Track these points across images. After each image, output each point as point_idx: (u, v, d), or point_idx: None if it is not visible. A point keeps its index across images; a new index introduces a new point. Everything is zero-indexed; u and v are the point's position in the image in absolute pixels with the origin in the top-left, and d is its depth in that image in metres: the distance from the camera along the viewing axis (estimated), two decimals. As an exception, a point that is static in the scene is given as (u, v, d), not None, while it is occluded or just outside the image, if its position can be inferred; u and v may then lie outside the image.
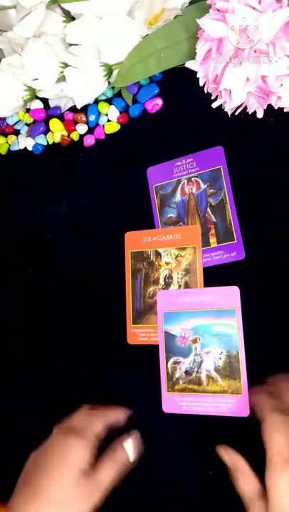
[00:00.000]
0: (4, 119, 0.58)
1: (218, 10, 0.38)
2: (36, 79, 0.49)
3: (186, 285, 0.47)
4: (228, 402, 0.43)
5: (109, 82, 0.50)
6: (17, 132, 0.58)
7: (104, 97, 0.53)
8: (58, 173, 0.55)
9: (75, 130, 0.54)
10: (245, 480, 0.37)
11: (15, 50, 0.49)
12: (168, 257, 0.48)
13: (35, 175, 0.56)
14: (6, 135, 0.58)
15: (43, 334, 0.52)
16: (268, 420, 0.36)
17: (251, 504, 0.35)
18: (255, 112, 0.43)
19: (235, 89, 0.40)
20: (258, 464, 0.35)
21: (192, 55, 0.42)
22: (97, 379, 0.49)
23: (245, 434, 0.39)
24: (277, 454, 0.34)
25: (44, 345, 0.52)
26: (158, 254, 0.48)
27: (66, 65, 0.48)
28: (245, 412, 0.42)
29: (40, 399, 0.51)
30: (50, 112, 0.55)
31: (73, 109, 0.54)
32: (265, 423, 0.36)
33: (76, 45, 0.48)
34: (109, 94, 0.52)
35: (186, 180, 0.48)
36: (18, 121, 0.57)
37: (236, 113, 0.44)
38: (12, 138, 0.57)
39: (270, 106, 0.43)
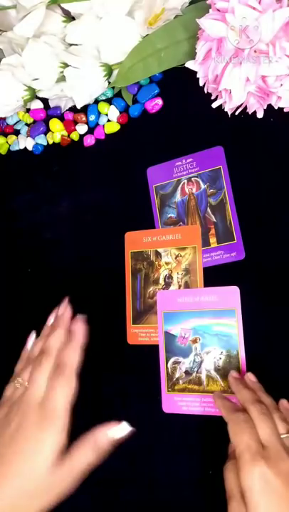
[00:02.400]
0: (4, 119, 0.58)
1: (218, 10, 0.38)
2: (36, 79, 0.49)
3: (186, 285, 0.47)
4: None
5: (109, 82, 0.50)
6: (17, 132, 0.58)
7: (104, 97, 0.53)
8: (58, 173, 0.55)
9: (75, 130, 0.54)
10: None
11: (15, 50, 0.49)
12: (168, 257, 0.48)
13: (35, 175, 0.56)
14: (6, 135, 0.58)
15: (43, 334, 0.52)
16: (230, 420, 0.36)
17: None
18: (255, 112, 0.43)
19: (235, 89, 0.40)
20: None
21: (192, 55, 0.42)
22: (97, 379, 0.49)
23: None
24: (245, 451, 0.33)
25: (44, 345, 0.52)
26: (158, 254, 0.48)
27: (66, 65, 0.48)
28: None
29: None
30: (50, 112, 0.55)
31: (73, 109, 0.54)
32: (229, 424, 0.36)
33: (76, 45, 0.48)
34: (109, 94, 0.52)
35: (186, 180, 0.48)
36: (18, 121, 0.57)
37: (236, 113, 0.44)
38: (12, 138, 0.57)
39: (270, 106, 0.43)
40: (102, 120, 0.53)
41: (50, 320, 0.43)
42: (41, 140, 0.55)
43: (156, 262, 0.48)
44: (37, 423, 0.34)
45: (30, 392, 0.37)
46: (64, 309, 0.43)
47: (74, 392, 0.37)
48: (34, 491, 0.33)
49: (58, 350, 0.39)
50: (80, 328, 0.40)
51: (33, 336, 0.44)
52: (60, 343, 0.40)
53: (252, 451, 0.33)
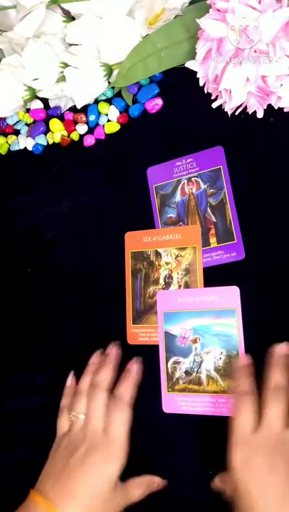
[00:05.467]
0: (4, 119, 0.58)
1: (218, 10, 0.38)
2: (36, 79, 0.49)
3: (186, 285, 0.47)
4: (228, 402, 0.43)
5: (109, 82, 0.50)
6: (17, 132, 0.58)
7: (104, 97, 0.52)
8: (58, 173, 0.55)
9: (75, 130, 0.54)
10: None
11: (15, 50, 0.49)
12: (168, 257, 0.48)
13: (35, 175, 0.56)
14: (6, 135, 0.58)
15: (43, 334, 0.52)
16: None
17: None
18: (255, 112, 0.43)
19: (235, 89, 0.40)
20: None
21: (192, 55, 0.42)
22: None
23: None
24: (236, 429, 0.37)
25: (44, 345, 0.52)
26: (158, 254, 0.48)
27: (66, 65, 0.48)
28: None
29: (40, 399, 0.51)
30: (50, 112, 0.55)
31: (73, 109, 0.54)
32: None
33: (76, 45, 0.48)
34: (109, 94, 0.52)
35: (186, 180, 0.48)
36: (18, 121, 0.57)
37: (236, 113, 0.44)
38: (12, 138, 0.57)
39: (270, 106, 0.43)
40: (102, 120, 0.53)
41: (93, 359, 0.47)
42: (41, 140, 0.55)
43: (156, 262, 0.48)
44: (103, 451, 0.39)
45: (92, 423, 0.41)
46: (112, 349, 0.46)
47: (129, 421, 0.42)
48: (101, 501, 0.39)
49: (108, 383, 0.43)
50: (135, 368, 0.45)
51: (71, 374, 0.48)
52: (109, 378, 0.44)
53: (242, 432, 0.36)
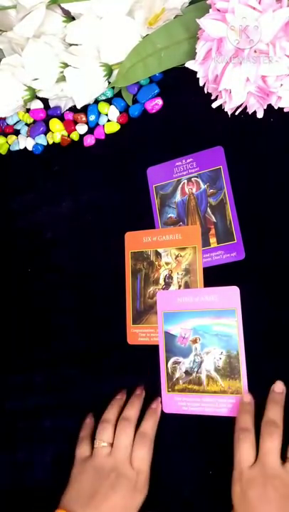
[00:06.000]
0: (4, 119, 0.58)
1: (218, 10, 0.38)
2: (36, 79, 0.49)
3: (186, 285, 0.47)
4: (228, 402, 0.43)
5: (109, 82, 0.50)
6: (17, 132, 0.58)
7: (104, 97, 0.52)
8: (58, 173, 0.55)
9: (75, 130, 0.54)
10: None
11: (15, 50, 0.49)
12: (168, 257, 0.48)
13: (35, 175, 0.56)
14: (6, 135, 0.58)
15: (43, 334, 0.52)
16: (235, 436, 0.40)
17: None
18: (255, 112, 0.43)
19: (235, 89, 0.40)
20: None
21: (192, 55, 0.42)
22: (97, 379, 0.49)
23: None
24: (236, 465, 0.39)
25: (44, 345, 0.52)
26: (158, 254, 0.48)
27: (66, 65, 0.48)
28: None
29: (40, 399, 0.51)
30: (50, 112, 0.55)
31: (73, 109, 0.54)
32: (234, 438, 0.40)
33: (76, 45, 0.48)
34: (109, 94, 0.52)
35: (186, 181, 0.48)
36: (18, 121, 0.57)
37: (236, 113, 0.44)
38: (12, 138, 0.57)
39: (270, 106, 0.43)
40: (102, 120, 0.53)
41: (118, 395, 0.47)
42: (41, 140, 0.55)
43: (156, 262, 0.48)
44: (131, 482, 0.41)
45: (120, 452, 0.43)
46: (139, 388, 0.47)
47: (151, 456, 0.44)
48: None
49: (136, 419, 0.45)
50: (158, 407, 0.46)
51: (90, 415, 0.48)
52: (137, 413, 0.45)
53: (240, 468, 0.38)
